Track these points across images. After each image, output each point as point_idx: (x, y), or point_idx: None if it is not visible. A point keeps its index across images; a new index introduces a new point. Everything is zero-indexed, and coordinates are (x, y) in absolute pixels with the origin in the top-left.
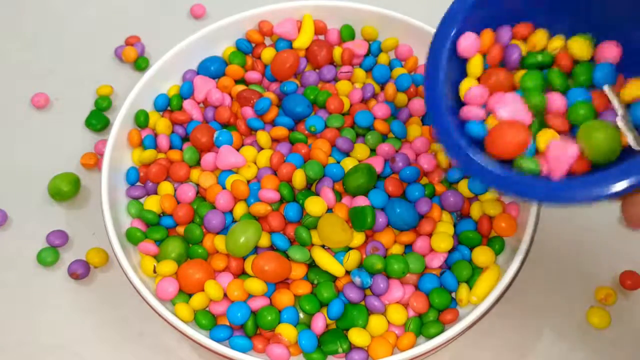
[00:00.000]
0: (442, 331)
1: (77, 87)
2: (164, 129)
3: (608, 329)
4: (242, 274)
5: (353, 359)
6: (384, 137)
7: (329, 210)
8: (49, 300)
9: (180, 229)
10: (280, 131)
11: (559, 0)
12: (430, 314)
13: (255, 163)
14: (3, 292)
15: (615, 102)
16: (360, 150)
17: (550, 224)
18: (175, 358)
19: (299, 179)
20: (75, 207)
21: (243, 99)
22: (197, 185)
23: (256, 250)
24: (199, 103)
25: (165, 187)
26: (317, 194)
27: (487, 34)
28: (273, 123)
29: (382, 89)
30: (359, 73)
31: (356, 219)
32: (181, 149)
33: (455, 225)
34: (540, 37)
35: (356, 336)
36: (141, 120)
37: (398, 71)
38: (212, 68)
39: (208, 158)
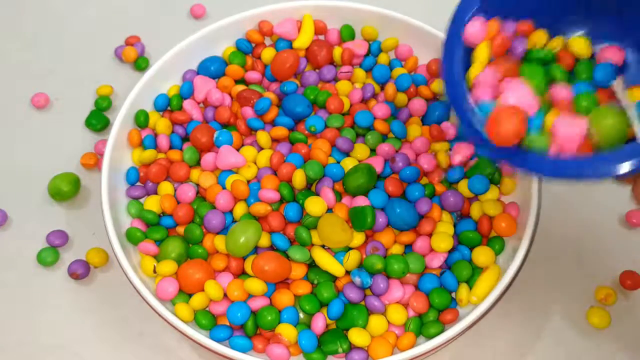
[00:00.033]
0: (442, 331)
1: (77, 87)
2: (164, 129)
3: (608, 329)
4: (242, 274)
5: (353, 359)
6: (384, 137)
7: (329, 210)
8: (49, 300)
9: (180, 229)
10: (280, 131)
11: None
12: (430, 314)
13: (255, 163)
14: (3, 292)
15: (623, 98)
16: (360, 150)
17: (551, 224)
18: (175, 358)
19: (299, 179)
20: (75, 207)
21: (243, 99)
22: (197, 185)
23: (256, 250)
24: (199, 103)
25: (165, 187)
26: (317, 194)
27: (494, 22)
28: (273, 123)
29: (382, 89)
30: (359, 73)
31: (356, 219)
32: (181, 149)
33: (455, 225)
34: (540, 36)
35: (356, 336)
36: (141, 120)
37: (398, 71)
38: (212, 68)
39: (208, 158)
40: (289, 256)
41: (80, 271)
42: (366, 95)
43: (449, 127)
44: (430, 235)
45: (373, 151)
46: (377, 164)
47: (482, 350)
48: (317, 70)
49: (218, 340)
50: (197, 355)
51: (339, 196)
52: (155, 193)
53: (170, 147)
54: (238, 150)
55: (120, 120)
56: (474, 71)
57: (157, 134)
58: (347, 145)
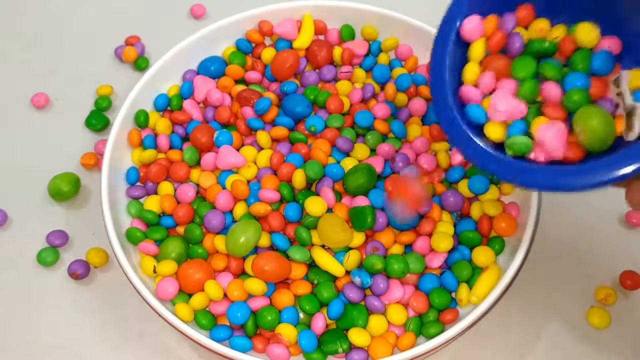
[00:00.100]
0: (442, 331)
1: (77, 87)
2: (164, 129)
3: (608, 329)
4: (242, 274)
5: (353, 359)
6: (384, 137)
7: (329, 210)
8: (49, 300)
9: (180, 229)
10: (280, 131)
11: None
12: (430, 314)
13: (255, 163)
14: (3, 292)
15: (626, 90)
16: (360, 150)
17: (551, 224)
18: (175, 358)
19: (299, 179)
20: (75, 207)
21: (243, 99)
22: (197, 185)
23: (256, 250)
24: (199, 103)
25: (165, 187)
26: (317, 194)
27: (491, 19)
28: (273, 123)
29: (382, 89)
30: (359, 73)
31: (356, 219)
32: (181, 149)
33: (455, 225)
34: (544, 24)
35: (356, 336)
36: (141, 120)
37: (398, 71)
38: (212, 68)
39: (208, 158)
40: (289, 256)
41: (80, 271)
42: (366, 95)
43: None
44: (430, 235)
45: (373, 151)
46: (377, 164)
47: (482, 350)
48: (317, 70)
49: (218, 340)
50: (197, 355)
51: (338, 196)
52: (155, 193)
53: (170, 147)
54: (238, 150)
55: (120, 120)
56: (469, 69)
57: (157, 134)
58: (347, 145)
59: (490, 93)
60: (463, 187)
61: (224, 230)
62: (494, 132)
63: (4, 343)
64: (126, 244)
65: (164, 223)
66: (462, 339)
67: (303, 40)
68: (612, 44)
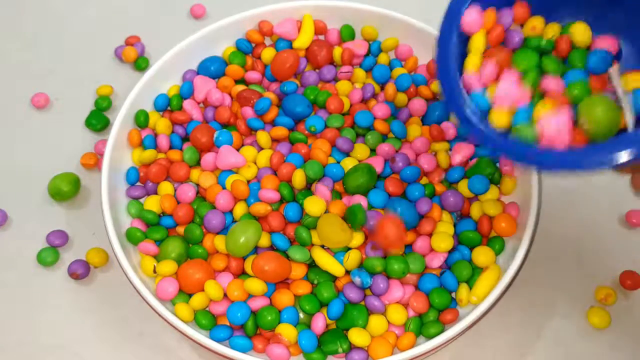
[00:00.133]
0: (442, 331)
1: (77, 87)
2: (164, 129)
3: (608, 329)
4: (242, 274)
5: (353, 359)
6: (384, 137)
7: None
8: (49, 300)
9: (180, 229)
10: (280, 131)
11: None
12: (430, 314)
13: (255, 163)
14: (3, 292)
15: (618, 85)
16: (360, 150)
17: (551, 224)
18: (175, 358)
19: (299, 179)
20: (75, 207)
21: (243, 99)
22: (197, 185)
23: (256, 250)
24: (199, 103)
25: (165, 187)
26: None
27: (490, 12)
28: (273, 123)
29: (382, 89)
30: (359, 73)
31: (348, 217)
32: (181, 149)
33: (455, 225)
34: (538, 22)
35: (356, 336)
36: (141, 120)
37: (398, 71)
38: (212, 68)
39: (208, 158)
40: (289, 256)
41: (80, 271)
42: (366, 95)
43: (449, 127)
44: (430, 235)
45: (373, 151)
46: (377, 164)
47: (482, 350)
48: (317, 70)
49: (218, 340)
50: (197, 355)
51: (338, 196)
52: (155, 193)
53: (170, 147)
54: (238, 150)
55: (120, 120)
56: (471, 61)
57: (157, 134)
58: (347, 145)
59: (493, 82)
60: (463, 187)
61: (224, 230)
62: (499, 118)
63: (4, 343)
64: (126, 244)
65: (164, 223)
66: (462, 339)
67: (303, 40)
68: (608, 44)
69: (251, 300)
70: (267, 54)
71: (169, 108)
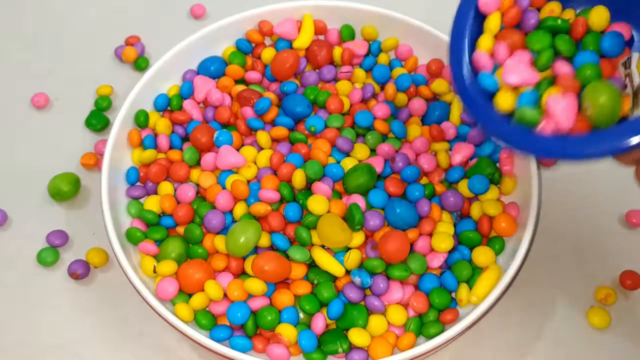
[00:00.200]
0: (442, 331)
1: (77, 87)
2: (164, 129)
3: (608, 329)
4: (242, 274)
5: (353, 359)
6: (384, 137)
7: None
8: (49, 300)
9: (180, 229)
10: (280, 131)
11: None
12: (430, 314)
13: (255, 163)
14: (3, 292)
15: (634, 69)
16: (360, 150)
17: (551, 224)
18: (175, 358)
19: (299, 179)
20: (75, 207)
21: (243, 99)
22: (197, 185)
23: (256, 250)
24: (199, 103)
25: (165, 187)
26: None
27: None
28: (273, 123)
29: (382, 89)
30: (359, 73)
31: (347, 217)
32: (181, 149)
33: (455, 225)
34: (556, 6)
35: (356, 336)
36: (141, 120)
37: (398, 71)
38: (212, 68)
39: (208, 158)
40: (289, 256)
41: (80, 271)
42: (366, 95)
43: (449, 127)
44: (430, 235)
45: (373, 151)
46: (377, 164)
47: (482, 350)
48: (317, 70)
49: (218, 340)
50: (197, 355)
51: (338, 196)
52: (155, 193)
53: (170, 147)
54: (238, 150)
55: (120, 120)
56: (484, 40)
57: (157, 134)
58: (347, 145)
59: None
60: (463, 187)
61: (224, 230)
62: (504, 101)
63: (4, 343)
64: (126, 244)
65: (164, 223)
66: (462, 339)
67: (303, 40)
68: (623, 29)
69: (251, 300)
70: (267, 54)
71: (169, 108)
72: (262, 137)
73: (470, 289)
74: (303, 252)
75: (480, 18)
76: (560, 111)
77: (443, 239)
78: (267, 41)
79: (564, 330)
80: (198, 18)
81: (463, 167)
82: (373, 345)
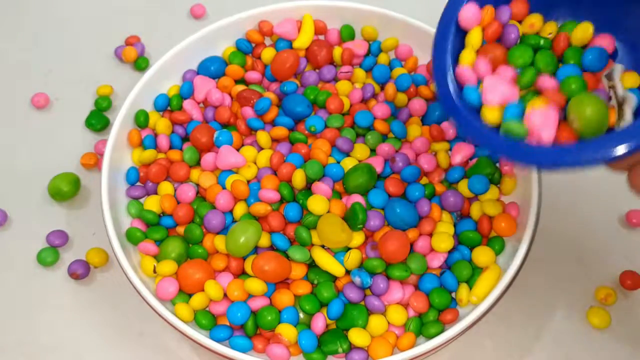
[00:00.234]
0: (442, 331)
1: (77, 87)
2: (164, 129)
3: (608, 329)
4: (242, 274)
5: (353, 359)
6: (384, 137)
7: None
8: (49, 300)
9: (180, 229)
10: (280, 131)
11: None
12: (430, 314)
13: (255, 163)
14: (3, 292)
15: (618, 81)
16: (360, 150)
17: (551, 224)
18: (175, 358)
19: (299, 179)
20: (75, 207)
21: (243, 99)
22: (197, 185)
23: (256, 250)
24: (199, 103)
25: (165, 187)
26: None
27: (488, 9)
28: (273, 123)
29: (382, 89)
30: (359, 73)
31: (349, 217)
32: (181, 149)
33: (455, 225)
34: (536, 19)
35: (356, 336)
36: (141, 120)
37: (398, 71)
38: (212, 68)
39: (208, 158)
40: (289, 256)
41: (80, 271)
42: (366, 95)
43: (449, 127)
44: (430, 235)
45: (373, 151)
46: (377, 164)
47: (482, 350)
48: (317, 70)
49: (218, 340)
50: (197, 355)
51: (338, 196)
52: (155, 193)
53: (170, 147)
54: (238, 150)
55: (120, 120)
56: (465, 55)
57: (157, 134)
58: (347, 145)
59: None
60: (463, 187)
61: (224, 230)
62: (491, 115)
63: (4, 343)
64: (126, 244)
65: (164, 223)
66: (462, 339)
67: (303, 40)
68: (606, 42)
69: (251, 300)
70: (267, 54)
71: (169, 108)
72: (262, 137)
73: (470, 289)
74: (303, 252)
75: (462, 33)
76: (540, 124)
77: (443, 239)
78: (267, 41)
79: (564, 330)
80: (198, 18)
81: (463, 167)
82: (373, 345)
